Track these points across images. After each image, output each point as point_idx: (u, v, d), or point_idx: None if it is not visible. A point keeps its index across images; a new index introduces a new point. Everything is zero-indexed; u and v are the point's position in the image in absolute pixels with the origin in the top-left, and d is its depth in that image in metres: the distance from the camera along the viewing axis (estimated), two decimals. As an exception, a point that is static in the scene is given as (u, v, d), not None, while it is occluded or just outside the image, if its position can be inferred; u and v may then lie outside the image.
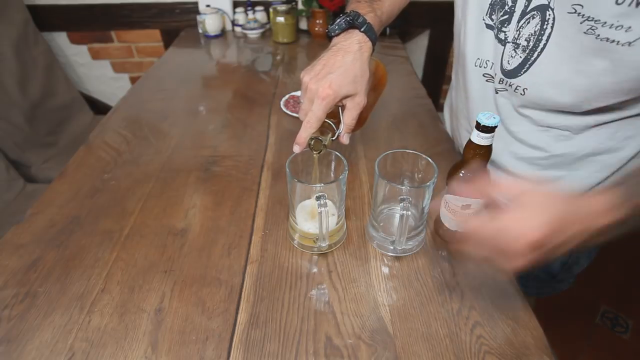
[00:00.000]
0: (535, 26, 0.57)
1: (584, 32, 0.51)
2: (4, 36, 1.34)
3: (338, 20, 0.61)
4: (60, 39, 1.65)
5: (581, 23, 0.50)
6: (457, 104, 0.80)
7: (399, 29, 1.49)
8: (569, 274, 0.82)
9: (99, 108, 1.74)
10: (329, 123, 0.59)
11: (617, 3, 0.46)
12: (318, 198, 0.52)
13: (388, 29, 1.45)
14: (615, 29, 0.48)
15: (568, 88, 0.57)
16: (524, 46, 0.59)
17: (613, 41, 0.49)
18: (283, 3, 1.42)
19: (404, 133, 0.89)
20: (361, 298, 0.54)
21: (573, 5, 0.51)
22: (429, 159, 0.57)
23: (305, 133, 0.57)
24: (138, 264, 0.59)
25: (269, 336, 0.50)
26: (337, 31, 0.61)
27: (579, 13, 0.50)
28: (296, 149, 0.57)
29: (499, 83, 0.65)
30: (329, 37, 0.63)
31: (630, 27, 0.47)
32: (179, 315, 0.52)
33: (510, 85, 0.63)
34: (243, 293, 0.55)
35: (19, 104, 1.34)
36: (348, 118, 0.59)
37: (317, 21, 1.42)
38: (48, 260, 0.60)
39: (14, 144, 1.32)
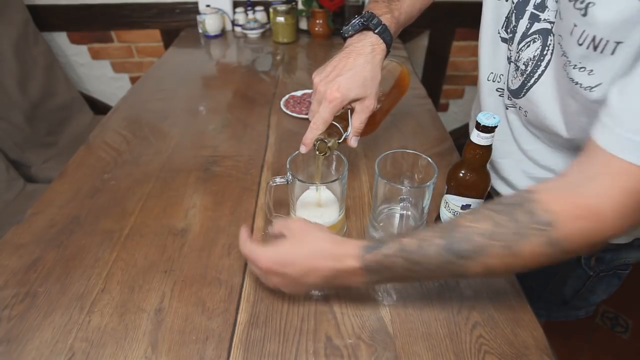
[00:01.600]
0: (535, 51, 0.53)
1: (563, 66, 0.48)
2: (4, 36, 1.34)
3: (353, 21, 0.60)
4: (60, 39, 1.65)
5: (561, 56, 0.47)
6: (473, 116, 0.78)
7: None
8: (585, 302, 0.75)
9: (99, 108, 1.74)
10: (336, 126, 0.59)
11: (578, 44, 0.43)
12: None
13: (388, 29, 1.45)
14: (579, 70, 0.44)
15: (562, 121, 0.53)
16: (522, 70, 0.56)
17: (577, 83, 0.45)
18: (283, 3, 1.42)
19: (404, 133, 0.89)
20: (361, 298, 0.54)
21: (559, 34, 0.47)
22: (429, 159, 0.57)
23: (312, 134, 0.56)
24: (138, 264, 0.59)
25: (269, 336, 0.50)
26: (350, 32, 0.60)
27: (560, 44, 0.47)
28: (302, 149, 0.57)
29: (508, 99, 0.62)
30: (343, 38, 0.62)
31: (592, 71, 0.43)
32: (179, 315, 0.52)
33: (515, 104, 0.61)
34: (243, 293, 0.55)
35: (19, 104, 1.34)
36: (356, 121, 0.58)
37: (317, 21, 1.42)
38: (48, 260, 0.60)
39: (14, 144, 1.32)
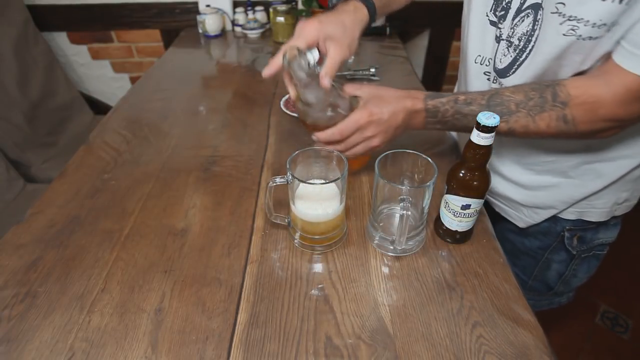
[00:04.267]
0: (528, 25, 0.57)
1: (563, 34, 0.51)
2: (4, 36, 1.34)
3: None
4: (60, 39, 1.65)
5: (561, 24, 0.51)
6: None
7: (399, 29, 1.49)
8: (568, 286, 0.80)
9: (99, 108, 1.74)
10: (306, 50, 0.61)
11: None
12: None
13: (388, 29, 1.45)
14: (598, 27, 0.49)
15: None
16: (516, 45, 0.59)
17: (595, 38, 0.50)
18: (283, 3, 1.42)
19: (404, 133, 0.89)
20: (361, 298, 0.54)
21: (556, 4, 0.51)
22: (429, 159, 0.57)
23: (279, 56, 0.60)
24: (138, 264, 0.59)
25: (269, 336, 0.50)
26: (335, 2, 0.66)
27: (560, 12, 0.51)
28: (266, 72, 0.61)
29: (494, 82, 0.65)
30: (330, 9, 0.68)
31: (614, 23, 0.48)
32: (179, 315, 0.52)
33: (501, 85, 0.63)
34: (243, 293, 0.55)
35: (19, 104, 1.34)
36: (329, 61, 0.62)
37: (317, 21, 1.41)
38: (48, 260, 0.60)
39: (14, 144, 1.32)
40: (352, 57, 1.30)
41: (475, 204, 0.57)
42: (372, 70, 1.15)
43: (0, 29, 1.33)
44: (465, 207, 0.57)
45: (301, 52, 0.59)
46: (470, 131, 0.56)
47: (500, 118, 0.54)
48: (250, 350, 0.49)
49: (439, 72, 1.80)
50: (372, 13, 0.66)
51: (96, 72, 1.75)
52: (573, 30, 0.50)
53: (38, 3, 1.54)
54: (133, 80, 1.79)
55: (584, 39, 0.50)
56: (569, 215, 0.70)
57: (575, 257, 0.74)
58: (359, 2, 0.65)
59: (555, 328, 1.47)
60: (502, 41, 0.61)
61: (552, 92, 0.54)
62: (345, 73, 1.15)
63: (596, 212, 0.68)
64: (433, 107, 0.60)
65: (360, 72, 1.15)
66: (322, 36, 0.62)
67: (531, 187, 0.70)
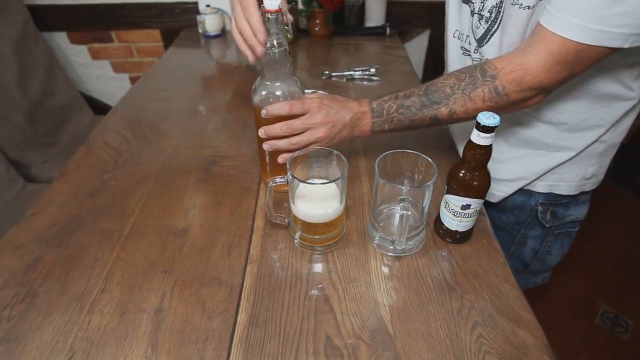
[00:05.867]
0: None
1: (512, 4, 0.57)
2: (4, 36, 1.34)
3: None
4: (60, 39, 1.65)
5: None
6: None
7: (399, 29, 1.49)
8: (543, 265, 0.85)
9: (99, 108, 1.74)
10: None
11: None
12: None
13: (388, 29, 1.45)
14: None
15: None
16: (487, 17, 0.64)
17: (516, 3, 0.56)
18: (283, 3, 1.42)
19: (404, 133, 0.89)
20: (361, 298, 0.54)
21: None
22: (429, 159, 0.57)
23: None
24: (138, 264, 0.59)
25: (269, 336, 0.50)
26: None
27: None
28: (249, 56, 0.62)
29: (474, 52, 0.69)
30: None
31: None
32: (179, 315, 0.52)
33: (481, 55, 0.68)
34: (243, 293, 0.55)
35: (19, 104, 1.34)
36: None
37: (317, 21, 1.41)
38: (48, 260, 0.60)
39: (14, 144, 1.32)
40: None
41: (475, 204, 0.57)
42: (372, 70, 1.15)
43: (0, 29, 1.33)
44: (465, 207, 0.57)
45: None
46: (416, 127, 0.64)
47: (439, 103, 0.61)
48: (250, 350, 0.49)
49: (439, 72, 1.80)
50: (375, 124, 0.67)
51: (96, 72, 1.75)
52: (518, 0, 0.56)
53: (38, 3, 1.54)
54: (133, 80, 1.79)
55: (524, 8, 0.56)
56: (541, 188, 0.74)
57: (549, 234, 0.78)
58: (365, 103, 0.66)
59: (555, 328, 1.48)
60: (474, 15, 0.66)
61: (480, 70, 0.58)
62: (345, 73, 1.15)
63: (565, 185, 0.72)
64: (377, 105, 0.64)
65: (360, 72, 1.15)
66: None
67: (502, 161, 0.73)
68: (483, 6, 0.64)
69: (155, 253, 0.61)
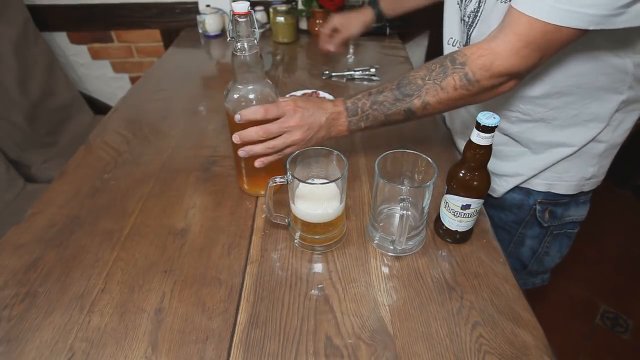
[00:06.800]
0: (475, 3, 0.64)
1: (501, 2, 0.58)
2: (4, 36, 1.34)
3: None
4: (60, 39, 1.65)
5: None
6: None
7: (399, 29, 1.49)
8: (541, 266, 0.85)
9: (99, 108, 1.74)
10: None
11: None
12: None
13: (388, 29, 1.45)
14: None
15: None
16: (466, 22, 0.67)
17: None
18: (283, 3, 1.42)
19: (404, 133, 0.89)
20: (361, 298, 0.54)
21: None
22: (429, 159, 0.57)
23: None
24: (138, 264, 0.59)
25: (269, 336, 0.50)
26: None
27: None
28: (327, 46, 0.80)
29: None
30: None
31: None
32: (179, 315, 0.52)
33: None
34: (243, 293, 0.55)
35: (19, 104, 1.34)
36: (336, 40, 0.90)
37: (317, 21, 1.41)
38: (48, 260, 0.60)
39: (14, 144, 1.32)
40: (352, 56, 1.31)
41: (475, 204, 0.57)
42: (372, 70, 1.15)
43: (0, 28, 1.33)
44: (465, 207, 0.57)
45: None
46: (392, 122, 0.64)
47: (412, 95, 0.60)
48: (250, 350, 0.49)
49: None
50: (377, 11, 0.72)
51: (96, 72, 1.75)
52: None
53: (38, 3, 1.54)
54: (133, 80, 1.79)
55: (504, 2, 0.57)
56: (540, 187, 0.73)
57: (547, 234, 0.78)
58: (368, 7, 0.74)
59: (555, 328, 1.47)
60: (462, 20, 0.69)
61: (450, 59, 0.58)
62: (346, 73, 1.15)
63: (564, 184, 0.72)
64: (352, 104, 0.64)
65: (360, 72, 1.15)
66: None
67: (500, 156, 0.74)
68: (465, 13, 0.67)
69: (155, 253, 0.61)
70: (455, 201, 0.57)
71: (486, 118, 0.50)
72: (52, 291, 0.56)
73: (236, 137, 0.62)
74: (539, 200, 0.75)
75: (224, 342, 0.49)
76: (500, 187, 0.78)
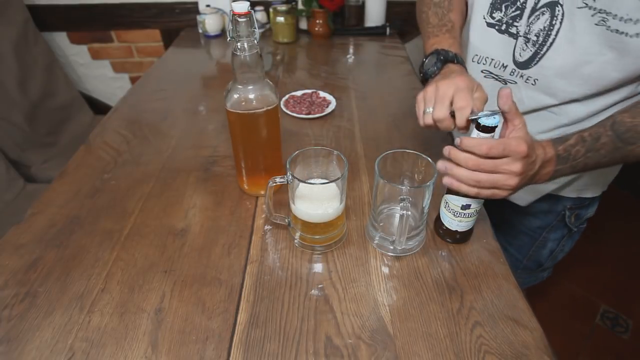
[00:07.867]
0: (545, 22, 0.62)
1: (596, 24, 0.56)
2: (4, 36, 1.34)
3: (429, 61, 0.65)
4: (60, 39, 1.65)
5: (592, 16, 0.56)
6: None
7: (399, 29, 1.49)
8: (553, 261, 0.86)
9: (99, 108, 1.74)
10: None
11: None
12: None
13: (388, 29, 1.45)
14: (625, 22, 0.53)
15: (576, 77, 0.62)
16: (534, 41, 0.64)
17: (622, 33, 0.54)
18: (283, 3, 1.42)
19: (404, 133, 0.89)
20: (361, 298, 0.54)
21: (583, 0, 0.56)
22: (429, 159, 0.57)
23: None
24: (138, 264, 0.59)
25: (269, 336, 0.50)
26: (435, 72, 0.64)
27: (590, 6, 0.56)
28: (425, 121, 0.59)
29: (510, 75, 0.69)
30: (425, 79, 0.66)
31: (638, 20, 0.52)
32: (179, 315, 0.52)
33: (521, 77, 0.68)
34: (243, 293, 0.55)
35: (19, 104, 1.34)
36: (459, 119, 0.60)
37: (317, 21, 1.41)
38: (48, 260, 0.60)
39: (14, 144, 1.32)
40: (352, 56, 1.30)
41: (475, 204, 0.57)
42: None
43: (0, 28, 1.33)
44: (465, 207, 0.57)
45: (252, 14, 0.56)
46: (600, 167, 0.58)
47: (635, 144, 0.55)
48: (250, 350, 0.49)
49: (439, 72, 1.80)
50: (464, 66, 0.66)
51: (96, 72, 1.75)
52: (603, 21, 0.55)
53: (38, 3, 1.54)
54: (133, 80, 1.79)
55: (611, 31, 0.54)
56: (571, 193, 0.74)
57: (567, 233, 0.80)
58: (457, 65, 0.64)
59: (555, 328, 1.48)
60: (519, 38, 0.66)
61: None
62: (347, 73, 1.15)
63: (592, 188, 0.73)
64: (564, 151, 0.55)
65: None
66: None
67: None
68: (529, 30, 0.64)
69: (155, 253, 0.61)
70: (455, 201, 0.57)
71: (486, 118, 0.50)
72: (52, 291, 0.56)
73: (446, 150, 0.53)
74: (568, 206, 0.75)
75: (224, 342, 0.49)
76: (529, 195, 0.77)
